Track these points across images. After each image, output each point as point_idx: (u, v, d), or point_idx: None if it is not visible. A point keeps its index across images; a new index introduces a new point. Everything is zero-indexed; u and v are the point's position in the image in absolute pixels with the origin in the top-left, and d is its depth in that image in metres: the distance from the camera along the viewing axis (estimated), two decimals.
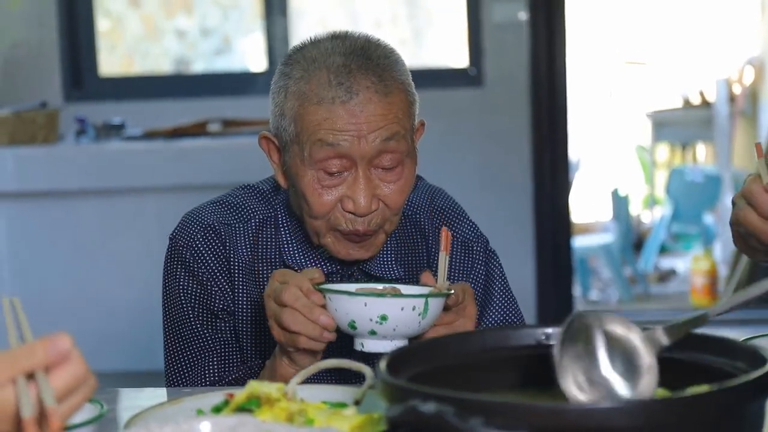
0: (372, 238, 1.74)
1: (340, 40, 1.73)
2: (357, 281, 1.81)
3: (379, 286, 1.64)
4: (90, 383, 1.02)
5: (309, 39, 1.77)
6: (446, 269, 1.63)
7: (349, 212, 1.71)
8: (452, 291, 1.60)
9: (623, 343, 1.16)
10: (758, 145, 1.63)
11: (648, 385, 1.14)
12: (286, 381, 1.61)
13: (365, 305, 1.53)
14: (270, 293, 1.61)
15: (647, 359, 1.15)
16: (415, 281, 1.83)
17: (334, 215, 1.72)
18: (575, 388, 1.14)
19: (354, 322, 1.55)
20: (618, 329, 1.17)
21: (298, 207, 1.77)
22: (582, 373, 1.15)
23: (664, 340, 1.17)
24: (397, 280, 1.82)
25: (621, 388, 1.15)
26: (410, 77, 1.76)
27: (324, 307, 1.56)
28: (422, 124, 1.81)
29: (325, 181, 1.70)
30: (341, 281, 1.82)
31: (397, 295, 1.58)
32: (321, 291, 1.57)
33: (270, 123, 1.78)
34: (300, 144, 1.70)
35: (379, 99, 1.68)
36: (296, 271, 1.77)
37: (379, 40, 1.77)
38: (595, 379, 1.15)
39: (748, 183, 1.59)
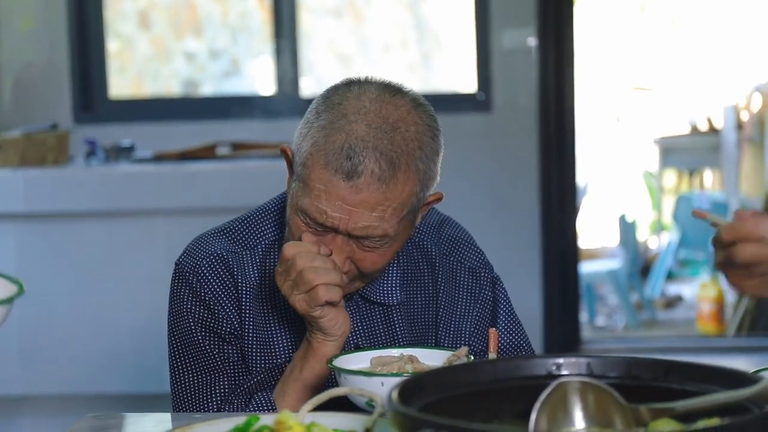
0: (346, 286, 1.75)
1: (378, 103, 1.69)
2: (357, 305, 1.83)
3: (395, 352, 1.64)
4: None
5: (354, 82, 1.73)
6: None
7: None
8: (471, 357, 1.61)
9: (603, 415, 1.15)
10: (696, 211, 1.57)
11: None
12: (327, 358, 1.66)
13: (382, 385, 1.51)
14: (281, 271, 1.68)
15: None
16: (417, 306, 1.84)
17: None
18: None
19: (372, 401, 1.54)
20: (599, 400, 1.16)
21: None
22: None
23: (647, 418, 1.14)
24: (398, 305, 1.84)
25: None
26: (431, 162, 1.75)
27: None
28: (438, 199, 1.81)
29: (310, 227, 1.71)
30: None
31: (414, 374, 1.53)
32: (336, 370, 1.56)
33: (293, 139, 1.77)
34: (302, 187, 1.70)
35: (379, 186, 1.66)
36: None
37: (422, 113, 1.73)
38: None
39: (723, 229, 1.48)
